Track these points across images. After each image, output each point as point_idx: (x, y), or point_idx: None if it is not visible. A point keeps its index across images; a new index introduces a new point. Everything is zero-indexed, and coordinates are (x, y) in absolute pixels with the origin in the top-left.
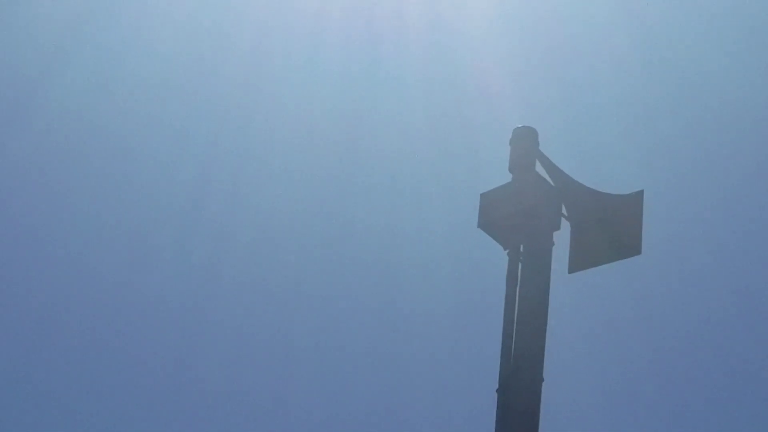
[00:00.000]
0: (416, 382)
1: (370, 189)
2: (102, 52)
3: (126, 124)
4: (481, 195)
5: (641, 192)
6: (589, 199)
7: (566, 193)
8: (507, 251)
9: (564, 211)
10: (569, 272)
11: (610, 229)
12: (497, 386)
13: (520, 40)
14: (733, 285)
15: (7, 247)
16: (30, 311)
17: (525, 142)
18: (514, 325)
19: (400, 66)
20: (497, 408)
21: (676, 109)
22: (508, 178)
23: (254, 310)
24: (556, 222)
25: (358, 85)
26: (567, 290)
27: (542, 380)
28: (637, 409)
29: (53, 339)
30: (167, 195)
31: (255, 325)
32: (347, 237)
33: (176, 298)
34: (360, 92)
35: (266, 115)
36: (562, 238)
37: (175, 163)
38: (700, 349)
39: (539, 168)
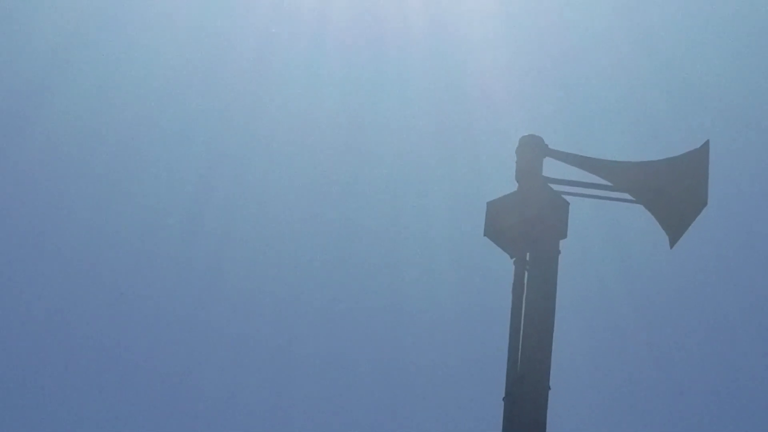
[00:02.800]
0: (422, 390)
1: (376, 197)
2: (104, 56)
3: (128, 129)
4: (488, 203)
5: (707, 143)
6: (645, 172)
7: (619, 178)
8: (513, 259)
9: (628, 196)
10: (671, 248)
11: (676, 191)
12: (504, 394)
13: (526, 48)
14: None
15: (9, 251)
16: (33, 315)
17: (531, 150)
18: (521, 333)
19: (405, 73)
20: (504, 416)
21: (680, 113)
22: (514, 186)
23: (259, 314)
24: (563, 230)
25: (363, 93)
26: (574, 298)
27: (549, 388)
28: (645, 417)
29: (55, 342)
30: (171, 198)
31: (260, 330)
32: (353, 245)
33: (178, 303)
34: (365, 100)
35: (270, 123)
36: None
37: (178, 166)
38: (699, 351)
39: (546, 175)
